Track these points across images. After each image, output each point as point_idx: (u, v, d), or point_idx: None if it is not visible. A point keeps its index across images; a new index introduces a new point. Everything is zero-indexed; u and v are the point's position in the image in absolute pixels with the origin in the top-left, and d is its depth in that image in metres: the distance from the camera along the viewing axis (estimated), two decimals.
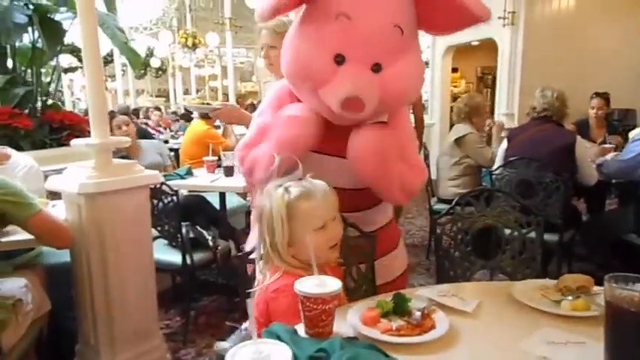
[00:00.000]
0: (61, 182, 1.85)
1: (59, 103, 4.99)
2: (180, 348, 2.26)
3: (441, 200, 3.39)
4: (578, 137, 2.66)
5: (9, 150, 2.26)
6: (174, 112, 9.89)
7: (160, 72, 13.83)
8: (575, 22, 4.83)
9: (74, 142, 1.94)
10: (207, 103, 2.72)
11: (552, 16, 4.87)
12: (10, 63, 3.68)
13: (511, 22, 4.78)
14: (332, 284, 0.86)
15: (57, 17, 3.53)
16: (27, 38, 3.72)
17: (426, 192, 3.44)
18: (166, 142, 5.52)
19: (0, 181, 1.58)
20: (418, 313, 0.93)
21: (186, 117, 8.74)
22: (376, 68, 1.23)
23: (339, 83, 1.20)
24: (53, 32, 3.32)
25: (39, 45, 3.66)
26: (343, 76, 1.20)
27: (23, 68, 3.76)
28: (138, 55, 3.78)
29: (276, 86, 1.50)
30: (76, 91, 11.36)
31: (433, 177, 3.50)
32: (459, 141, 3.24)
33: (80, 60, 4.22)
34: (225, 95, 10.25)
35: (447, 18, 1.25)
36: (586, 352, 0.81)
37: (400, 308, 0.94)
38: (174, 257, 2.25)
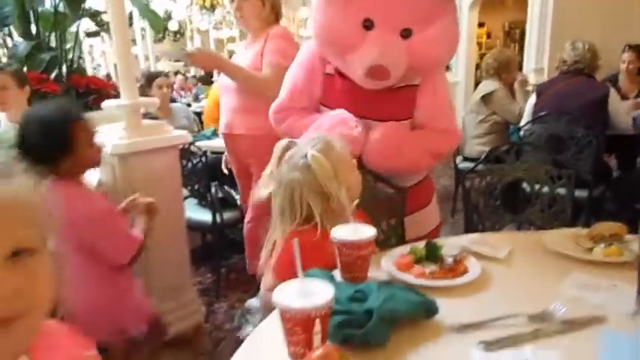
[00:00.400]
0: None
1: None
2: (214, 302, 2.36)
3: (466, 159, 3.35)
4: (612, 89, 2.57)
5: None
6: (194, 76, 9.88)
7: (179, 35, 13.72)
8: None
9: (105, 103, 1.98)
10: (182, 49, 2.70)
11: None
12: (33, 29, 3.72)
13: None
14: (367, 231, 0.89)
15: None
16: (49, 3, 3.73)
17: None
18: (189, 105, 5.55)
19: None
20: (450, 259, 0.95)
21: (206, 80, 8.74)
22: (406, 34, 1.22)
23: (367, 51, 1.20)
24: None
25: (60, 9, 3.67)
26: (371, 44, 1.20)
27: (47, 34, 3.79)
28: (158, 16, 3.76)
29: (309, 45, 1.48)
30: (96, 57, 11.41)
31: None
32: (486, 98, 3.16)
33: (100, 25, 4.23)
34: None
35: None
36: (618, 294, 0.82)
37: (432, 255, 0.97)
38: (205, 216, 2.31)
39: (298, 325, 0.64)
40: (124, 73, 1.89)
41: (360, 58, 1.21)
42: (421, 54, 1.23)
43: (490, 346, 0.69)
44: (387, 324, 0.69)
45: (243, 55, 2.08)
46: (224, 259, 2.69)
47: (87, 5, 3.65)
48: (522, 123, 2.82)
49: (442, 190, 4.19)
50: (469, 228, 1.57)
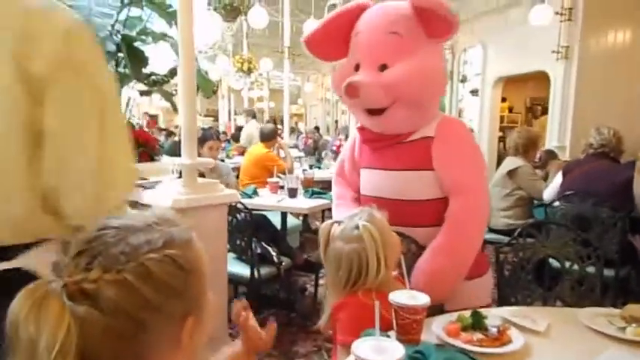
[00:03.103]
0: (155, 196, 2.08)
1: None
2: None
3: (491, 230, 3.44)
4: (636, 173, 2.69)
5: None
6: (224, 132, 10.31)
7: (212, 93, 14.37)
8: (630, 57, 4.81)
9: (167, 159, 2.18)
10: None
11: (607, 51, 4.87)
12: None
13: (565, 57, 4.82)
14: (422, 298, 1.01)
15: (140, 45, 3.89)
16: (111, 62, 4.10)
17: None
18: (222, 160, 5.82)
19: None
20: (494, 329, 1.05)
21: (235, 138, 9.14)
22: (382, 68, 1.53)
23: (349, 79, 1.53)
24: (137, 59, 3.69)
25: (119, 69, 4.03)
26: (354, 76, 1.54)
27: None
28: (209, 80, 4.08)
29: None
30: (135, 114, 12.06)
31: None
32: (511, 173, 3.30)
33: (151, 85, 4.59)
34: (273, 117, 10.65)
35: (437, 26, 1.50)
36: None
37: (478, 324, 1.07)
38: (243, 270, 2.43)
39: None
40: (187, 135, 2.10)
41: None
42: (392, 80, 1.49)
43: None
44: None
45: None
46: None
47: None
48: (546, 198, 2.93)
49: None
50: (502, 300, 1.66)
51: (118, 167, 0.94)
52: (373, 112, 1.57)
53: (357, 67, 1.57)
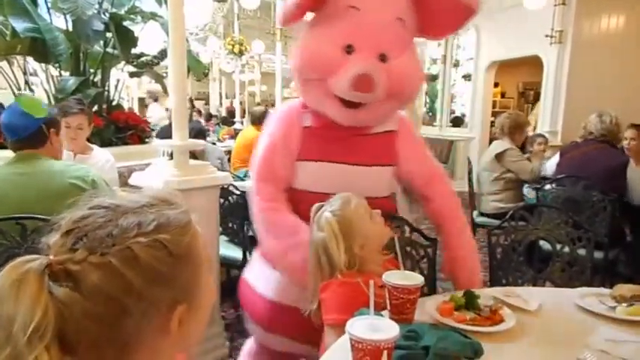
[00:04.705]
0: (146, 178, 2.05)
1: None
2: (237, 337, 2.43)
3: (482, 214, 3.47)
4: (631, 160, 2.71)
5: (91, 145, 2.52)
6: (216, 116, 10.22)
7: (202, 76, 14.22)
8: (624, 42, 4.81)
9: (157, 142, 2.16)
10: None
11: (600, 36, 4.88)
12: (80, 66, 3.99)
13: (558, 41, 4.81)
14: (415, 278, 1.01)
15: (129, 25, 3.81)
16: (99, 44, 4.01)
17: (468, 206, 3.52)
18: (214, 143, 5.78)
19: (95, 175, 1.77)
20: (487, 309, 1.06)
21: (226, 121, 9.07)
22: (382, 58, 1.33)
23: (352, 65, 1.29)
24: (127, 39, 3.61)
25: (108, 50, 3.95)
26: (355, 61, 1.29)
27: (92, 71, 4.06)
28: (200, 62, 4.02)
29: (284, 108, 1.59)
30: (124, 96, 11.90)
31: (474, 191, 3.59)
32: (499, 156, 3.31)
33: (140, 67, 4.51)
34: (265, 101, 10.57)
35: (444, 17, 1.38)
36: None
37: (470, 304, 1.08)
38: (235, 253, 2.43)
39: (368, 355, 0.75)
40: (177, 116, 2.06)
41: (346, 71, 1.27)
42: (397, 77, 1.32)
43: None
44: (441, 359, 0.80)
45: None
46: None
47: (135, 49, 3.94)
48: (544, 177, 2.95)
49: None
50: (494, 283, 1.67)
51: None
52: (351, 104, 1.34)
53: (348, 50, 1.32)
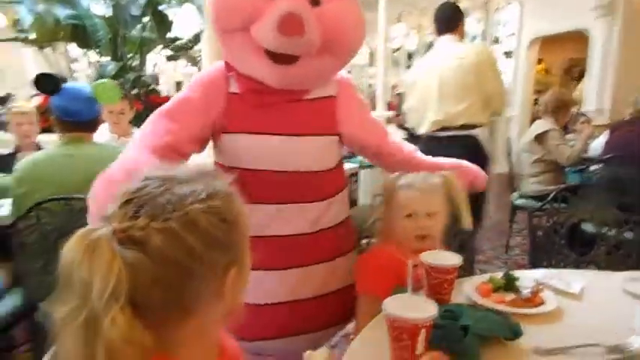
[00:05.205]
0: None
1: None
2: None
3: (522, 196, 3.37)
4: None
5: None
6: None
7: None
8: None
9: None
10: None
11: None
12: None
13: (607, 14, 4.54)
14: (453, 258, 1.00)
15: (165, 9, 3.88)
16: (137, 29, 4.10)
17: (508, 187, 3.44)
18: None
19: None
20: (526, 291, 1.04)
21: None
22: (313, 2, 1.13)
23: (276, 7, 1.07)
24: (162, 23, 3.68)
25: (146, 35, 4.03)
26: (280, 3, 1.08)
27: (129, 56, 4.16)
28: None
29: (209, 70, 1.33)
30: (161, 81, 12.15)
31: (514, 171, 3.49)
32: (539, 137, 3.18)
33: (177, 50, 4.58)
34: None
35: None
36: None
37: (510, 285, 1.06)
38: None
39: (405, 333, 0.76)
40: None
41: (270, 15, 1.07)
42: (331, 22, 1.14)
43: None
44: (479, 340, 0.80)
45: None
46: None
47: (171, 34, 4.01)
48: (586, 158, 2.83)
49: (497, 226, 4.19)
50: (534, 265, 1.63)
51: None
52: (282, 58, 1.13)
53: None
